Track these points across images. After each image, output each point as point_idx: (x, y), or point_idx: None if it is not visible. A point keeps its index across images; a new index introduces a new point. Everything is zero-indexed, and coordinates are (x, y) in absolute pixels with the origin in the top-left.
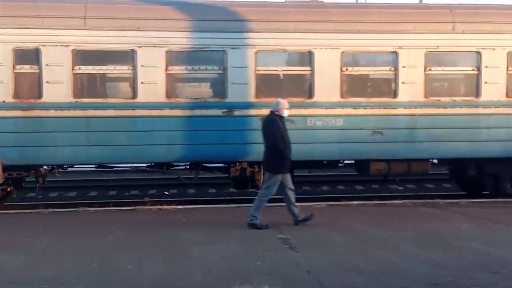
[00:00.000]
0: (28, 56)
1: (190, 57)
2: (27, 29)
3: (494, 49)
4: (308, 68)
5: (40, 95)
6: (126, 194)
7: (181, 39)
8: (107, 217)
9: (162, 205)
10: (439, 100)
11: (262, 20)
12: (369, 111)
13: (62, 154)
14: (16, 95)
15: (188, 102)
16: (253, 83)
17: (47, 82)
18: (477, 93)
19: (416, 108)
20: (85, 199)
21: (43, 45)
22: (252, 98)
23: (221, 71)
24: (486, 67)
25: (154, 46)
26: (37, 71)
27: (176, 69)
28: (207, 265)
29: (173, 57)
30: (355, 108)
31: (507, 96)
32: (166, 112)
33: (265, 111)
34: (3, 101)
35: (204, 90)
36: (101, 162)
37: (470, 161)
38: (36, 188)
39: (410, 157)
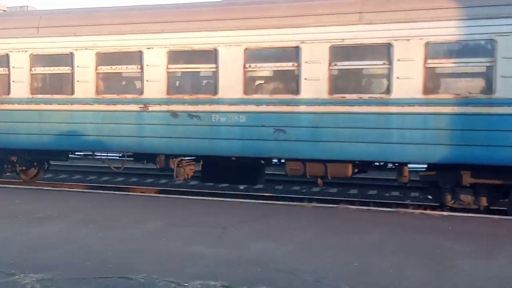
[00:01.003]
0: (1, 60)
1: (113, 57)
2: (1, 38)
3: (408, 40)
4: (214, 66)
5: (9, 92)
6: (387, 194)
7: (107, 42)
8: (367, 216)
9: (425, 209)
10: (344, 97)
11: (173, 21)
12: (271, 108)
13: (21, 140)
14: None
15: (113, 98)
16: (165, 80)
17: (13, 81)
18: (388, 90)
19: (319, 105)
20: (346, 197)
21: (10, 51)
22: (164, 95)
23: (138, 70)
24: (398, 60)
25: (86, 49)
26: (7, 72)
27: (104, 69)
28: (475, 283)
29: (100, 58)
30: (257, 105)
31: (424, 93)
32: (95, 107)
33: (176, 107)
34: None
35: (127, 87)
36: (49, 148)
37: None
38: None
39: (314, 158)
